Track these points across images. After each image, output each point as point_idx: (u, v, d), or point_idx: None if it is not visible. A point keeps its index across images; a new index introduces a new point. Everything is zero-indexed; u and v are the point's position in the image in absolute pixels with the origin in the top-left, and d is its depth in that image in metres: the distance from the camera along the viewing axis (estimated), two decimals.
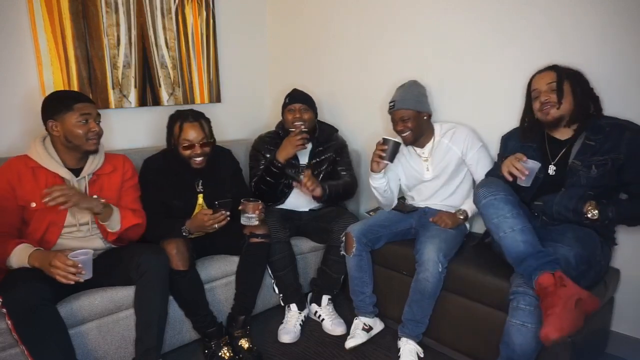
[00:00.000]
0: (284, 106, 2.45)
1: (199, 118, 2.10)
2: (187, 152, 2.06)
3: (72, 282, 1.58)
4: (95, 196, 1.79)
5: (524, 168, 1.69)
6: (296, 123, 2.37)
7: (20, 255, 1.64)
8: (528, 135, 1.88)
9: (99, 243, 1.89)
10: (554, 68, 1.76)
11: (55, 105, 1.77)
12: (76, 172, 1.83)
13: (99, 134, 1.83)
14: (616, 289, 1.91)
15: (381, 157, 2.06)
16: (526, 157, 1.73)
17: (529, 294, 1.57)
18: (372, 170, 2.12)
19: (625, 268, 1.90)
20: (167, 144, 2.14)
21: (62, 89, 2.24)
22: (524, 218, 1.68)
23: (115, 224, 1.83)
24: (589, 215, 1.67)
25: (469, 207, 2.11)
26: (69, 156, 1.82)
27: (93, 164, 1.87)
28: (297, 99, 2.42)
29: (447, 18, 2.26)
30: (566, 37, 1.90)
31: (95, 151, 1.85)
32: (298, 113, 2.38)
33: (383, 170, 2.14)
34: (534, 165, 1.71)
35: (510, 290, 1.65)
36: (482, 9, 2.13)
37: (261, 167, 2.43)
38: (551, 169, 1.81)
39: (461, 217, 2.10)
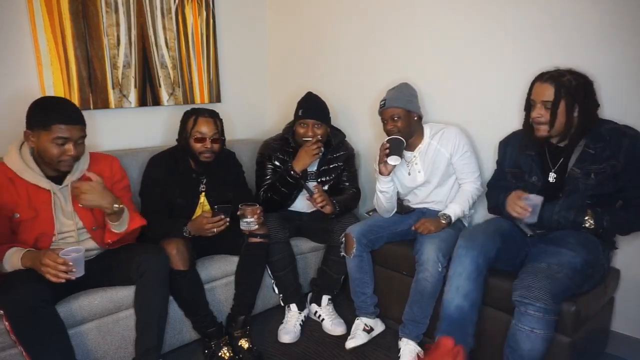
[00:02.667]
0: (297, 117, 2.36)
1: (214, 116, 2.15)
2: (198, 145, 2.08)
3: (63, 281, 1.54)
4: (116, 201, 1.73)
5: (526, 206, 1.69)
6: (307, 139, 2.31)
7: (12, 258, 1.61)
8: (527, 143, 1.85)
9: (92, 244, 1.85)
10: (555, 81, 1.66)
11: (35, 117, 1.66)
12: (58, 178, 1.76)
13: (76, 157, 1.71)
14: (616, 289, 1.91)
15: (387, 155, 2.04)
16: (526, 194, 1.72)
17: (537, 304, 1.53)
18: (381, 173, 2.11)
19: (626, 268, 1.90)
20: (179, 137, 2.16)
21: (62, 90, 2.25)
22: (478, 286, 1.75)
23: (124, 224, 1.79)
24: (586, 225, 1.70)
25: (453, 211, 2.08)
26: (47, 166, 1.73)
27: (77, 171, 1.79)
28: (311, 114, 2.32)
29: (447, 18, 2.26)
30: (566, 37, 1.90)
31: (68, 172, 1.75)
32: (311, 131, 2.31)
33: (391, 174, 2.12)
34: (536, 200, 1.70)
35: (514, 297, 1.61)
36: (483, 9, 2.13)
37: (267, 175, 2.41)
38: (551, 177, 1.80)
39: (444, 221, 2.07)
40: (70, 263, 1.55)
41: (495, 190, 1.99)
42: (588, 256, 1.63)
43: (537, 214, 1.70)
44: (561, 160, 1.77)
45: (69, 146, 1.67)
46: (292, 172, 2.27)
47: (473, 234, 1.84)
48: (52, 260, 1.52)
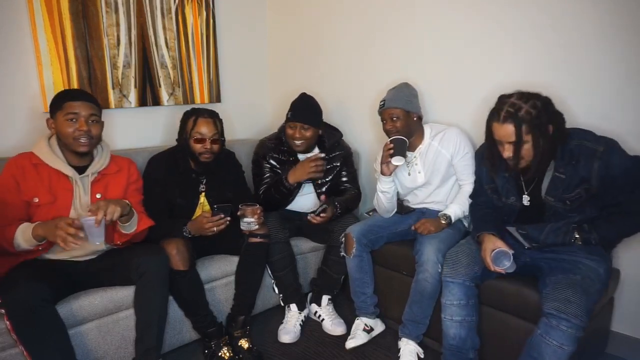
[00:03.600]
0: (286, 118, 2.35)
1: (214, 116, 2.16)
2: (198, 146, 2.09)
3: (74, 246, 1.54)
4: (126, 201, 1.79)
5: (501, 269, 1.68)
6: (297, 142, 2.30)
7: (25, 231, 1.63)
8: (496, 170, 1.82)
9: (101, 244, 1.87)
10: (514, 120, 1.60)
11: (53, 103, 1.80)
12: (81, 169, 1.83)
13: (90, 135, 1.78)
14: (616, 289, 1.91)
15: (391, 156, 2.04)
16: (499, 244, 1.69)
17: (573, 321, 1.47)
18: (383, 174, 2.12)
19: (625, 268, 1.90)
20: (179, 137, 2.17)
21: (63, 88, 2.24)
22: (471, 310, 1.76)
23: (133, 225, 1.83)
24: (573, 241, 1.70)
25: (453, 211, 2.08)
26: (71, 154, 1.82)
27: (99, 163, 1.87)
28: (298, 116, 2.29)
29: (447, 18, 2.26)
30: (566, 37, 1.90)
31: (85, 153, 1.82)
32: (298, 133, 2.29)
33: (393, 174, 2.13)
34: (505, 259, 1.66)
35: (546, 309, 1.53)
36: (483, 9, 2.12)
37: (265, 175, 2.42)
38: (525, 200, 1.78)
39: (444, 221, 2.07)
40: (85, 226, 1.57)
41: (478, 211, 1.96)
42: (605, 264, 1.64)
43: (511, 263, 1.67)
44: (534, 182, 1.75)
45: (81, 122, 1.76)
46: (285, 182, 2.28)
47: (456, 258, 1.83)
48: (66, 223, 1.55)
